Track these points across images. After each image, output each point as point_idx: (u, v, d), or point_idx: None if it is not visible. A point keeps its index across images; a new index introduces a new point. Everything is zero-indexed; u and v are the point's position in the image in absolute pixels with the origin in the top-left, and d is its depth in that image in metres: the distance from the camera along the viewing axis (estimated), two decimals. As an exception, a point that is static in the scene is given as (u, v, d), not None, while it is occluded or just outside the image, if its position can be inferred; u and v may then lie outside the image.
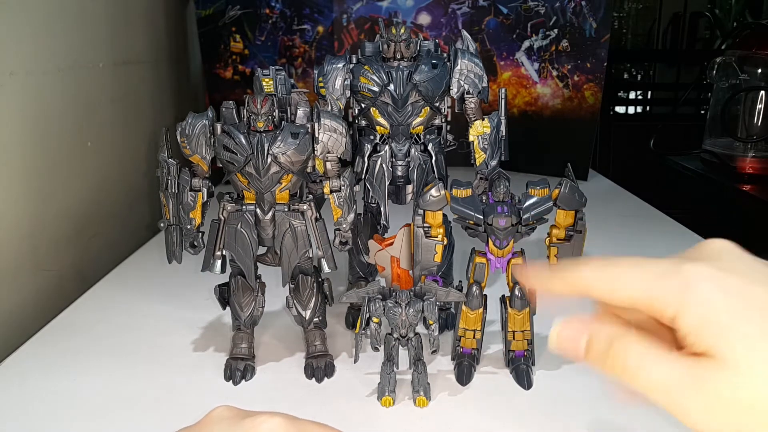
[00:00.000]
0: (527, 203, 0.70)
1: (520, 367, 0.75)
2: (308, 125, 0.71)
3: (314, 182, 0.75)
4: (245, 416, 0.35)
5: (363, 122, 0.84)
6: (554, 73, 1.66)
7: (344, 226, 0.75)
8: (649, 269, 0.30)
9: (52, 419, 0.68)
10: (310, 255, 0.75)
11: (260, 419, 0.34)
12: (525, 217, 0.70)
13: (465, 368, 0.75)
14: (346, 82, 0.81)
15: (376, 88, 0.79)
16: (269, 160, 0.69)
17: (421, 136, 0.83)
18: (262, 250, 0.76)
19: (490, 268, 0.73)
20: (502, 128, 0.82)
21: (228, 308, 0.80)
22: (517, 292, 0.73)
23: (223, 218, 0.74)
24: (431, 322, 0.68)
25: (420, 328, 0.70)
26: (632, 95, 3.06)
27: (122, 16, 1.29)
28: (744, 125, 1.64)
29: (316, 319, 0.79)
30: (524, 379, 0.73)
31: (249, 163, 0.69)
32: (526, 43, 1.67)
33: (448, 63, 0.81)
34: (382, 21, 0.89)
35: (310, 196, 0.75)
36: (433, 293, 0.69)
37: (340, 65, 0.81)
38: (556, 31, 1.63)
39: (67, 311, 0.94)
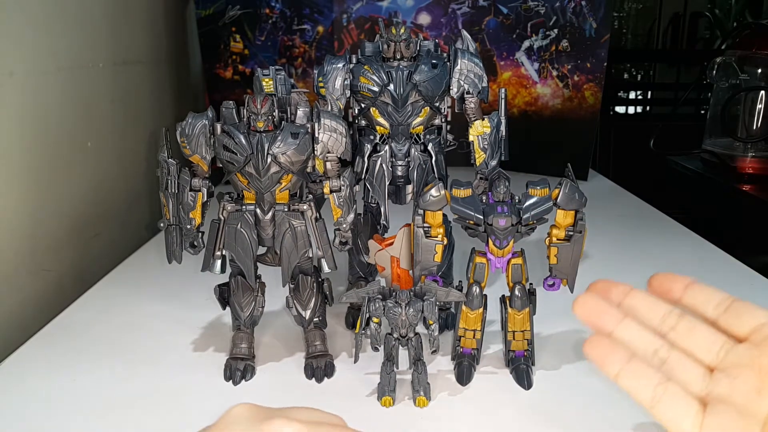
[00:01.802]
0: (527, 203, 0.70)
1: (520, 367, 0.75)
2: (308, 125, 0.71)
3: (314, 182, 0.75)
4: (264, 418, 0.34)
5: (363, 122, 0.84)
6: (554, 73, 1.66)
7: (344, 226, 0.75)
8: None
9: (52, 419, 0.68)
10: (310, 255, 0.75)
11: (277, 425, 0.33)
12: (525, 217, 0.70)
13: (465, 368, 0.75)
14: (346, 82, 0.81)
15: (376, 88, 0.79)
16: (269, 160, 0.69)
17: (421, 136, 0.83)
18: (262, 250, 0.76)
19: (490, 268, 0.73)
20: (502, 128, 0.82)
21: (228, 308, 0.80)
22: (517, 292, 0.73)
23: (223, 218, 0.74)
24: (431, 322, 0.68)
25: (420, 328, 0.70)
26: (632, 95, 3.06)
27: (122, 16, 1.29)
28: (744, 125, 1.64)
29: (316, 319, 0.79)
30: (524, 379, 0.73)
31: (249, 163, 0.69)
32: (526, 43, 1.67)
33: (448, 63, 0.81)
34: (382, 21, 0.89)
35: (310, 196, 0.75)
36: (433, 293, 0.69)
37: (340, 65, 0.81)
38: (556, 31, 1.63)
39: (67, 311, 0.94)
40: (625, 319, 0.35)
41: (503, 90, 0.84)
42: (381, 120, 0.81)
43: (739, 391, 0.31)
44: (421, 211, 0.73)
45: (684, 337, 0.34)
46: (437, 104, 0.81)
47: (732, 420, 0.31)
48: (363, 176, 0.83)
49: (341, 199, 0.74)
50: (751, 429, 0.31)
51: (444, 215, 0.75)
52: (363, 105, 0.81)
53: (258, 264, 0.76)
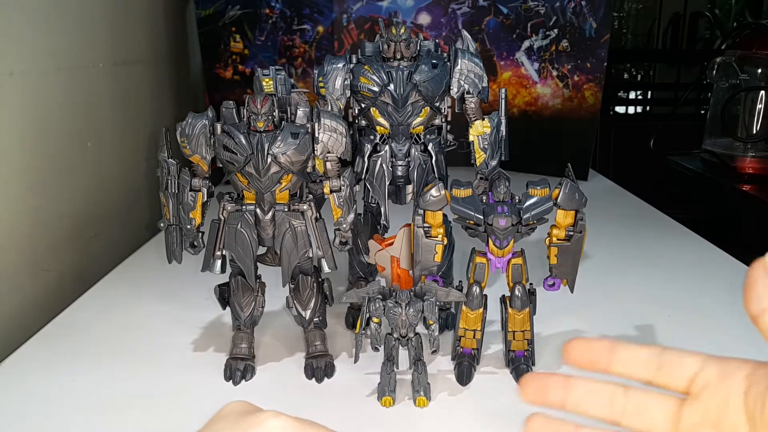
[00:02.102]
0: (527, 203, 0.70)
1: (520, 367, 0.75)
2: (308, 125, 0.71)
3: (314, 182, 0.75)
4: (253, 412, 0.35)
5: (363, 122, 0.84)
6: (554, 73, 1.66)
7: (344, 226, 0.75)
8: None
9: (52, 419, 0.68)
10: (310, 255, 0.75)
11: (264, 416, 0.34)
12: (525, 217, 0.70)
13: (465, 368, 0.75)
14: (346, 82, 0.81)
15: (376, 88, 0.79)
16: (269, 160, 0.69)
17: (421, 136, 0.83)
18: (262, 250, 0.76)
19: (490, 268, 0.73)
20: (502, 128, 0.82)
21: (228, 308, 0.80)
22: (517, 292, 0.73)
23: (223, 218, 0.74)
24: (431, 322, 0.68)
25: (420, 328, 0.70)
26: (632, 95, 3.06)
27: (122, 16, 1.29)
28: (744, 125, 1.64)
29: (316, 319, 0.79)
30: (524, 379, 0.73)
31: (249, 163, 0.69)
32: (526, 43, 1.67)
33: (448, 63, 0.81)
34: (382, 21, 0.89)
35: (310, 196, 0.75)
36: (433, 293, 0.69)
37: (340, 65, 0.81)
38: (556, 31, 1.63)
39: (67, 311, 0.94)
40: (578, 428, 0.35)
41: (503, 90, 0.84)
42: (381, 120, 0.81)
43: None
44: (421, 211, 0.73)
45: (638, 418, 0.33)
46: (437, 104, 0.81)
47: None
48: (363, 176, 0.83)
49: (341, 199, 0.74)
50: None
51: (444, 215, 0.75)
52: (363, 105, 0.81)
53: (258, 264, 0.76)
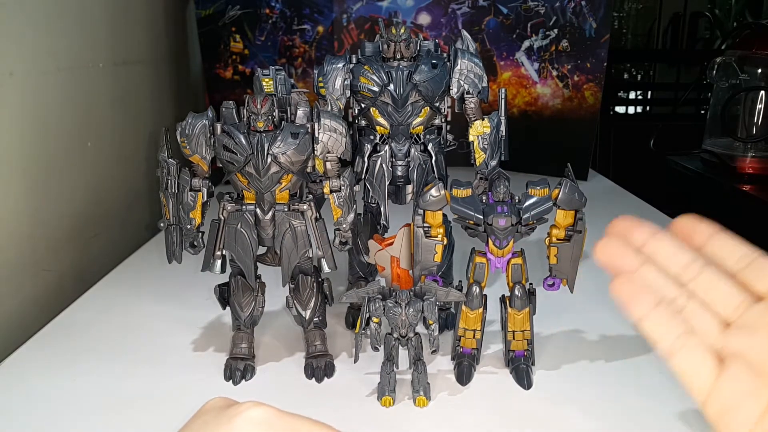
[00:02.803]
0: (527, 203, 0.70)
1: (520, 367, 0.75)
2: (308, 125, 0.71)
3: (314, 182, 0.75)
4: (233, 405, 0.35)
5: (363, 122, 0.84)
6: (554, 73, 1.66)
7: (344, 226, 0.75)
8: None
9: (52, 419, 0.68)
10: (310, 255, 0.75)
11: (245, 407, 0.34)
12: (525, 217, 0.70)
13: (465, 368, 0.75)
14: (346, 82, 0.81)
15: (376, 88, 0.79)
16: (269, 160, 0.69)
17: (421, 136, 0.83)
18: (262, 250, 0.76)
19: (490, 268, 0.73)
20: (502, 128, 0.82)
21: (228, 308, 0.80)
22: (517, 292, 0.73)
23: (223, 218, 0.74)
24: (431, 322, 0.68)
25: (420, 328, 0.70)
26: (632, 95, 3.06)
27: (122, 16, 1.29)
28: (744, 125, 1.64)
29: (316, 319, 0.79)
30: (524, 379, 0.73)
31: (249, 163, 0.69)
32: (526, 43, 1.67)
33: (448, 63, 0.81)
34: (382, 21, 0.89)
35: (310, 196, 0.75)
36: (433, 293, 0.69)
37: (340, 65, 0.81)
38: (556, 31, 1.63)
39: (67, 311, 0.94)
40: (645, 265, 0.35)
41: (503, 90, 0.84)
42: (381, 120, 0.81)
43: (753, 349, 0.31)
44: (421, 211, 0.73)
45: (703, 289, 0.33)
46: (437, 104, 0.81)
47: (746, 378, 0.31)
48: (363, 176, 0.83)
49: (341, 199, 0.74)
50: (763, 390, 0.30)
51: (444, 215, 0.75)
52: (363, 105, 0.82)
53: (258, 264, 0.76)
